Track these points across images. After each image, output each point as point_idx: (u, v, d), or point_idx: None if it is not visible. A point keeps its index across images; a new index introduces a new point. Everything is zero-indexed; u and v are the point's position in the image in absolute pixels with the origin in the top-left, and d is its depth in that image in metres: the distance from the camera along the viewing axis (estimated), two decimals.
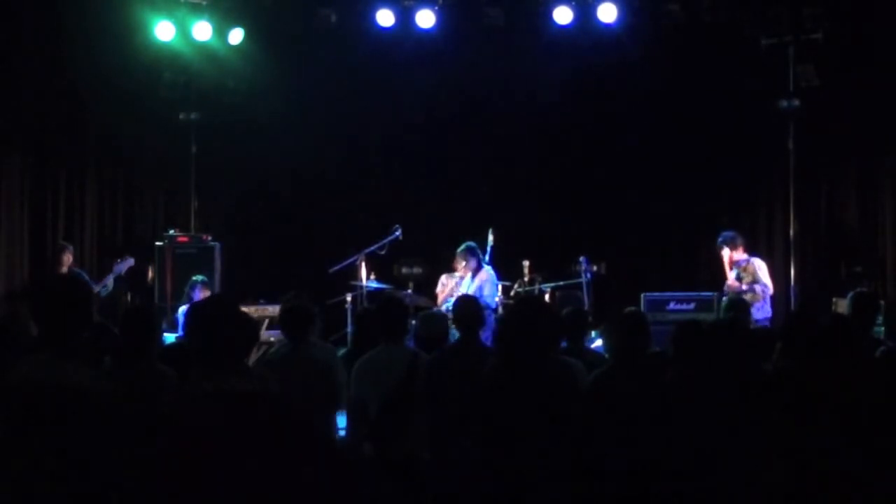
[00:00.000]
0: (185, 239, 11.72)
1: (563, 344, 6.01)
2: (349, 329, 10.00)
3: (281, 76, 12.21)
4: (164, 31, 11.64)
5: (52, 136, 11.78)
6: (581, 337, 6.49)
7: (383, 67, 12.28)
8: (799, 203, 11.82)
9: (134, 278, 11.47)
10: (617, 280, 11.51)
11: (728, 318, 6.73)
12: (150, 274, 11.48)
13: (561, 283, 11.12)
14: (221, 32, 11.85)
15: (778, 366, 4.76)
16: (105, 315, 8.47)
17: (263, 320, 10.20)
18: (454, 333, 6.50)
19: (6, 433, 3.30)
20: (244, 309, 4.88)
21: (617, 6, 11.59)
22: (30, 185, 11.61)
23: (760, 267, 10.26)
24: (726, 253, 10.38)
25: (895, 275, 11.69)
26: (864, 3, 11.55)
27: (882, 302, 7.53)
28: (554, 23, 11.73)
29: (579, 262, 10.90)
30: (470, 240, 10.60)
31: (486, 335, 6.23)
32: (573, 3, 11.68)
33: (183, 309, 10.00)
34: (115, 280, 11.00)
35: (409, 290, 10.95)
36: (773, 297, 10.39)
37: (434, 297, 10.99)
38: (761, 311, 9.96)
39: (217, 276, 11.48)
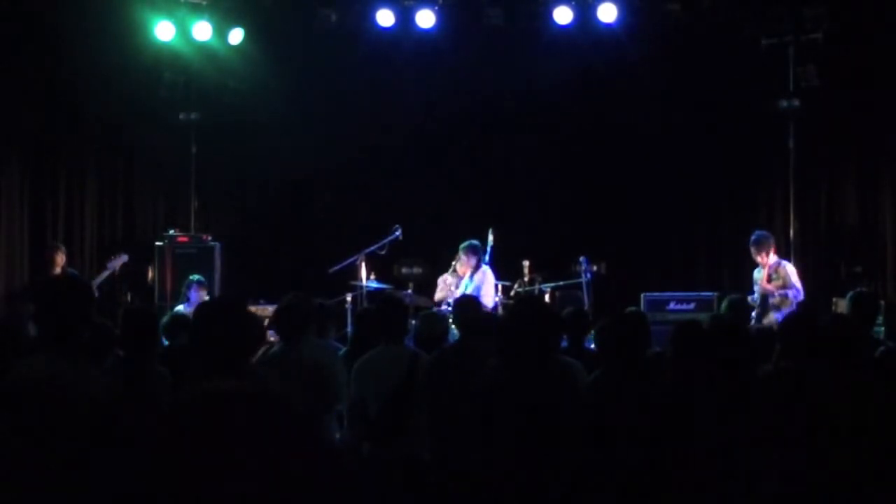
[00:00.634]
0: (185, 239, 11.72)
1: (563, 344, 6.02)
2: (349, 329, 9.99)
3: (281, 76, 12.21)
4: (164, 31, 11.64)
5: (52, 136, 11.78)
6: (581, 337, 6.49)
7: (383, 67, 12.28)
8: (799, 203, 11.82)
9: (134, 278, 11.47)
10: (617, 280, 11.51)
11: (727, 318, 6.73)
12: (150, 274, 11.48)
13: (561, 283, 11.12)
14: (221, 32, 11.85)
15: (778, 366, 4.76)
16: (105, 315, 8.46)
17: (263, 320, 10.20)
18: (454, 333, 6.51)
19: (7, 433, 3.30)
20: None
21: (617, 6, 11.59)
22: (30, 185, 11.61)
23: (792, 272, 10.17)
24: (757, 253, 10.26)
25: (895, 275, 11.70)
26: (864, 3, 11.55)
27: (882, 302, 7.53)
28: (554, 23, 11.73)
29: (579, 262, 10.90)
30: (469, 240, 10.58)
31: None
32: (573, 3, 11.68)
33: (178, 309, 10.00)
34: (111, 278, 10.96)
35: (409, 290, 10.94)
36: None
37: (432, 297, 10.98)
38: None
39: (217, 276, 11.48)
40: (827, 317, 5.76)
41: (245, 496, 2.98)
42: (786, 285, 10.04)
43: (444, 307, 10.17)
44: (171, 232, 11.78)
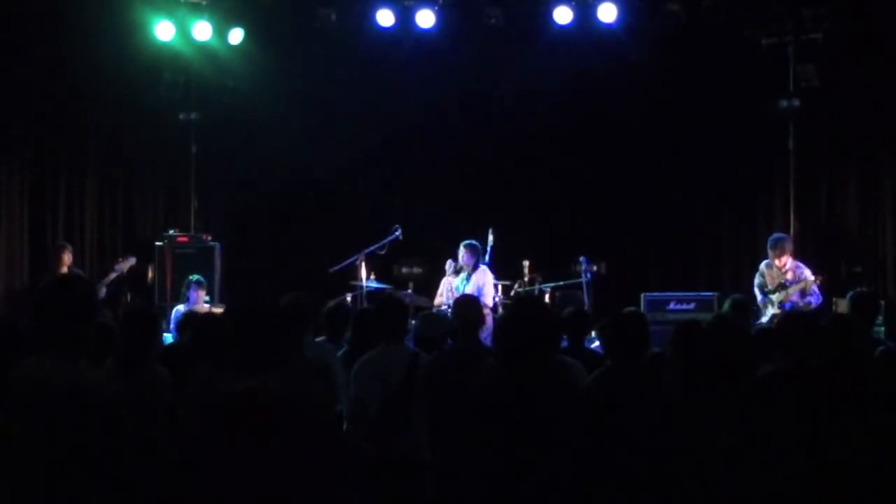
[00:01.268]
0: (185, 239, 11.73)
1: (564, 344, 6.02)
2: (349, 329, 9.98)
3: (281, 76, 12.21)
4: (164, 31, 11.64)
5: (52, 136, 11.78)
6: (581, 337, 6.50)
7: (383, 67, 12.28)
8: (799, 203, 11.82)
9: (134, 278, 11.47)
10: (617, 280, 11.51)
11: (730, 318, 6.73)
12: (150, 274, 11.48)
13: (561, 283, 11.12)
14: (221, 32, 11.86)
15: (778, 366, 4.76)
16: (106, 315, 8.46)
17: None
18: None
19: (8, 433, 3.30)
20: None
21: (617, 6, 11.59)
22: (30, 185, 11.61)
23: (810, 276, 10.16)
24: (774, 255, 10.24)
25: (895, 275, 11.70)
26: (864, 3, 11.55)
27: (882, 302, 7.53)
28: (554, 23, 11.73)
29: (579, 262, 10.90)
30: (469, 240, 10.58)
31: (485, 335, 6.22)
32: (573, 3, 11.68)
33: (178, 309, 10.01)
34: (118, 279, 10.99)
35: (409, 290, 10.95)
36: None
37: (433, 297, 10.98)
38: None
39: (217, 276, 11.48)
40: (827, 317, 5.76)
41: (271, 493, 2.99)
42: (806, 291, 10.05)
43: (444, 307, 10.17)
44: (171, 232, 11.79)
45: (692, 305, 10.53)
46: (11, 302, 11.09)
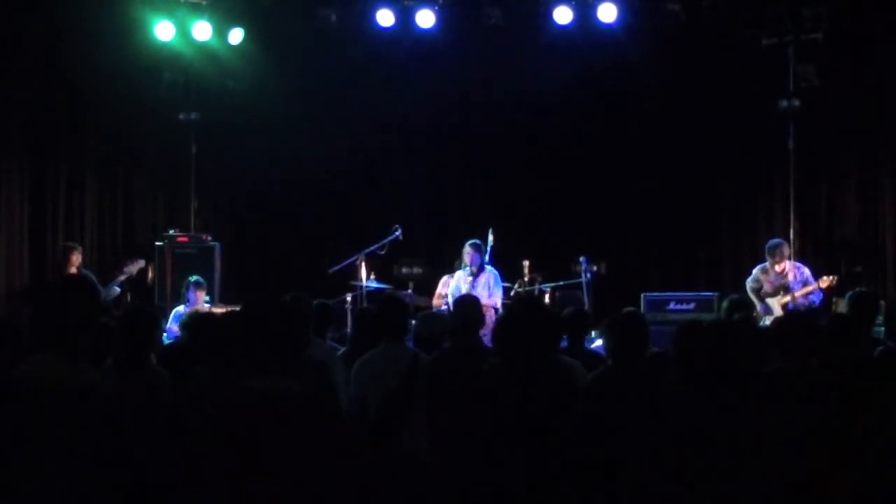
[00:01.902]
0: (185, 239, 11.73)
1: (563, 344, 6.02)
2: (349, 329, 10.00)
3: (281, 76, 12.21)
4: (164, 31, 11.64)
5: (52, 136, 11.77)
6: (581, 337, 6.49)
7: (383, 67, 12.28)
8: (799, 203, 11.82)
9: (134, 278, 11.47)
10: (617, 280, 11.51)
11: (729, 319, 6.73)
12: (150, 274, 11.47)
13: (561, 283, 11.12)
14: (221, 32, 11.85)
15: (777, 366, 4.76)
16: (107, 315, 8.46)
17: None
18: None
19: (9, 433, 3.30)
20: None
21: (617, 6, 11.59)
22: (30, 185, 11.60)
23: (810, 274, 10.17)
24: (772, 260, 10.24)
25: (895, 275, 11.70)
26: (864, 3, 11.55)
27: (882, 302, 7.54)
28: (554, 23, 11.73)
29: (579, 262, 10.90)
30: (469, 240, 10.58)
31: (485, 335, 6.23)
32: (573, 3, 11.68)
33: (178, 309, 10.01)
34: (124, 281, 11.00)
35: (409, 290, 10.95)
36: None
37: (432, 296, 10.97)
38: None
39: (217, 276, 11.48)
40: (827, 317, 5.76)
41: (282, 493, 3.00)
42: (810, 293, 10.07)
43: (443, 307, 10.17)
44: (171, 232, 11.78)
45: (692, 305, 10.53)
46: (12, 302, 11.08)
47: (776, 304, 10.12)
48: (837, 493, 4.17)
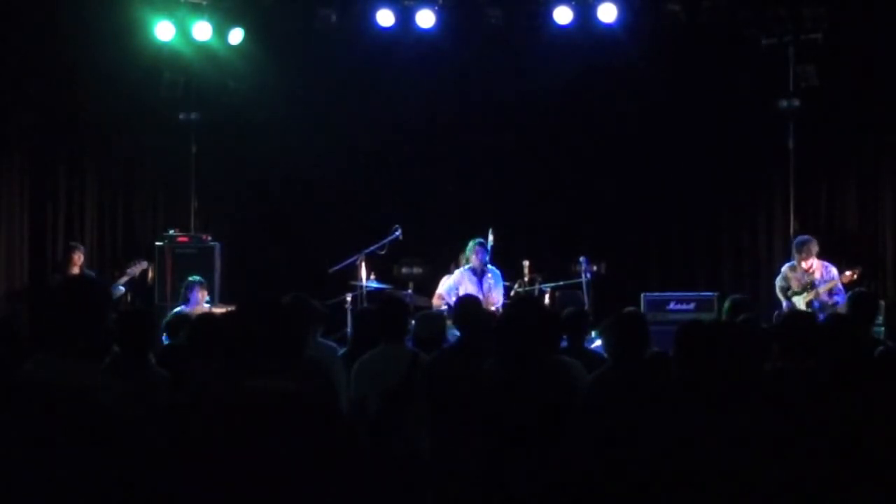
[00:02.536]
0: (185, 239, 11.73)
1: (564, 344, 6.02)
2: (349, 329, 10.00)
3: (281, 76, 12.21)
4: (164, 31, 11.64)
5: (52, 136, 11.78)
6: (581, 337, 6.49)
7: (383, 67, 12.28)
8: (799, 203, 11.83)
9: (134, 278, 11.48)
10: (617, 280, 11.50)
11: (731, 319, 6.73)
12: (150, 274, 11.48)
13: (561, 283, 11.12)
14: (221, 32, 11.85)
15: (777, 366, 4.76)
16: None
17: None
18: (454, 333, 6.50)
19: (10, 433, 3.30)
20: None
21: (617, 6, 11.59)
22: (30, 185, 11.61)
23: (836, 275, 10.17)
24: (800, 257, 10.25)
25: (895, 275, 11.70)
26: (864, 3, 11.55)
27: (882, 302, 7.55)
28: (554, 23, 11.73)
29: (579, 262, 10.90)
30: (469, 240, 10.57)
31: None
32: (573, 3, 11.68)
33: (178, 309, 10.00)
34: (128, 282, 11.01)
35: (409, 290, 10.94)
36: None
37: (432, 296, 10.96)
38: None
39: (217, 276, 11.48)
40: (827, 317, 5.77)
41: (282, 493, 3.00)
42: (832, 290, 10.07)
43: (443, 307, 10.17)
44: (171, 232, 11.79)
45: (692, 305, 10.53)
46: (12, 302, 11.09)
47: (802, 302, 10.13)
48: (838, 494, 4.17)
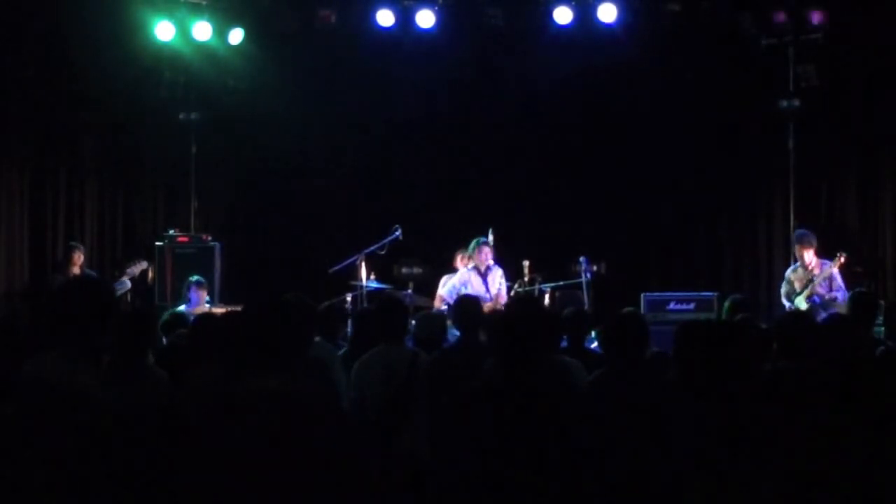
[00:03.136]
0: (185, 239, 11.73)
1: (564, 344, 6.02)
2: (349, 329, 9.99)
3: (281, 76, 12.21)
4: (164, 31, 11.64)
5: (53, 135, 11.79)
6: (581, 337, 6.49)
7: (383, 67, 12.28)
8: (799, 203, 11.82)
9: (132, 278, 11.48)
10: (617, 280, 11.50)
11: (731, 319, 6.73)
12: (150, 274, 11.48)
13: (561, 283, 11.12)
14: (221, 32, 11.85)
15: (778, 366, 4.76)
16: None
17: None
18: (454, 333, 6.51)
19: (11, 433, 3.30)
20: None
21: (617, 6, 11.59)
22: (30, 185, 11.62)
23: (837, 274, 10.17)
24: (801, 248, 10.27)
25: (895, 275, 11.69)
26: (864, 3, 11.55)
27: (882, 302, 7.54)
28: (554, 23, 11.72)
29: (579, 262, 10.89)
30: (470, 240, 10.57)
31: None
32: (573, 3, 11.68)
33: (176, 309, 10.00)
34: (124, 283, 11.01)
35: (409, 290, 10.94)
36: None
37: (432, 296, 10.96)
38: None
39: (217, 276, 11.48)
40: (827, 317, 5.77)
41: (282, 494, 3.00)
42: (831, 283, 10.07)
43: (443, 307, 10.17)
44: (171, 232, 11.79)
45: (692, 305, 10.53)
46: (12, 302, 11.09)
47: (803, 300, 10.13)
48: (838, 494, 4.17)
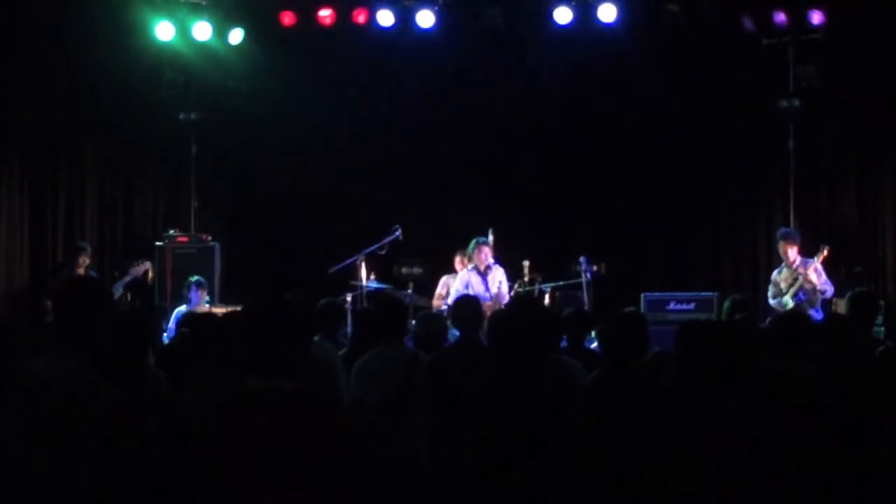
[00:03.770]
0: (185, 239, 11.73)
1: (564, 344, 6.02)
2: (349, 329, 9.99)
3: (281, 76, 12.21)
4: (164, 31, 11.64)
5: (53, 136, 11.78)
6: (581, 337, 6.49)
7: (383, 67, 12.28)
8: (799, 203, 11.82)
9: (134, 278, 11.48)
10: (617, 280, 11.50)
11: (731, 318, 6.73)
12: (150, 274, 11.48)
13: (561, 283, 11.12)
14: (221, 32, 11.86)
15: (777, 366, 4.75)
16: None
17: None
18: (454, 333, 6.50)
19: (11, 433, 3.30)
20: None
21: (617, 6, 11.59)
22: (30, 185, 11.61)
23: (821, 270, 10.17)
24: (786, 245, 10.28)
25: (895, 275, 11.69)
26: (864, 3, 11.55)
27: (882, 302, 7.54)
28: (554, 23, 11.73)
29: (579, 262, 10.90)
30: (470, 240, 10.57)
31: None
32: (573, 3, 11.68)
33: (180, 309, 10.00)
34: (130, 282, 11.01)
35: (409, 290, 10.94)
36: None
37: (432, 296, 10.96)
38: (818, 314, 9.84)
39: (217, 276, 11.48)
40: (826, 317, 5.77)
41: (283, 494, 3.00)
42: (819, 283, 10.08)
43: (443, 307, 10.17)
44: (171, 232, 11.79)
45: (692, 305, 10.53)
46: (12, 302, 11.09)
47: (789, 298, 10.12)
48: (838, 494, 4.17)
